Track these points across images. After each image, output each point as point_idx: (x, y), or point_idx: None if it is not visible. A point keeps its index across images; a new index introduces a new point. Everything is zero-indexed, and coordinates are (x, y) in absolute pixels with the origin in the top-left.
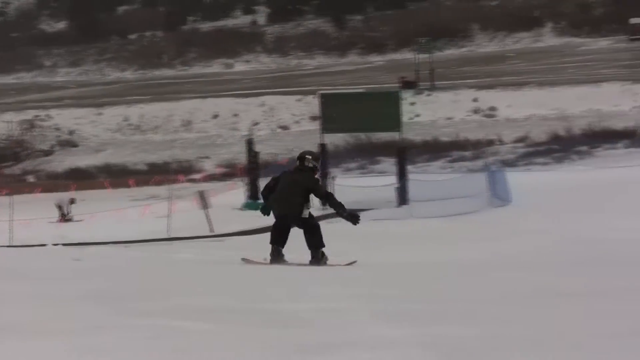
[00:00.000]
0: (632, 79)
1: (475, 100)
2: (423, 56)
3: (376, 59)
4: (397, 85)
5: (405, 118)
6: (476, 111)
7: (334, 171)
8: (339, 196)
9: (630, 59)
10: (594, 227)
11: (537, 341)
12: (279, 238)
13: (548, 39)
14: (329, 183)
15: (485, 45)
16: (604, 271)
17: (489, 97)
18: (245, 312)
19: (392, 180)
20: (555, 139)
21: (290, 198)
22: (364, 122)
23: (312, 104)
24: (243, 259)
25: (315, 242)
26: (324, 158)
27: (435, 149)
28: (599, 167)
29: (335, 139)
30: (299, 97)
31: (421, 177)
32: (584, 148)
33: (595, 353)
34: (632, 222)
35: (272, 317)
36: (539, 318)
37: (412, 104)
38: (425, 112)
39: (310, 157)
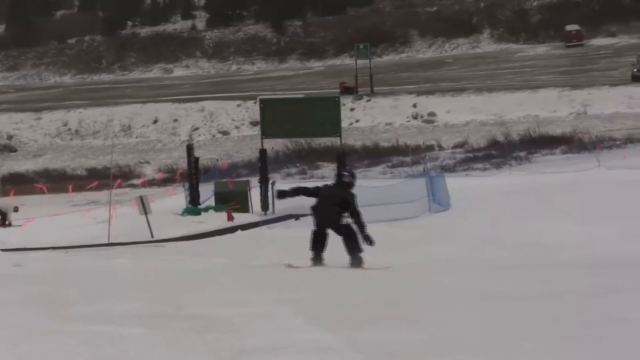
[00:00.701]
0: (569, 85)
1: (414, 105)
2: (362, 62)
3: (316, 65)
4: (336, 90)
5: (345, 123)
6: (415, 117)
7: (274, 176)
8: (280, 201)
9: (566, 65)
10: (531, 232)
11: (471, 343)
12: (318, 244)
13: (486, 45)
14: (269, 188)
15: (424, 51)
16: (539, 275)
17: (428, 103)
18: (182, 318)
19: None
20: (494, 144)
21: (329, 208)
22: (304, 127)
23: (252, 109)
24: (287, 265)
25: (354, 247)
26: (264, 163)
27: (375, 154)
28: (536, 172)
29: (276, 144)
30: (239, 102)
31: (361, 182)
32: (522, 153)
33: (529, 354)
34: (568, 225)
35: (207, 323)
36: (473, 321)
37: (352, 109)
38: (365, 118)
39: (347, 174)
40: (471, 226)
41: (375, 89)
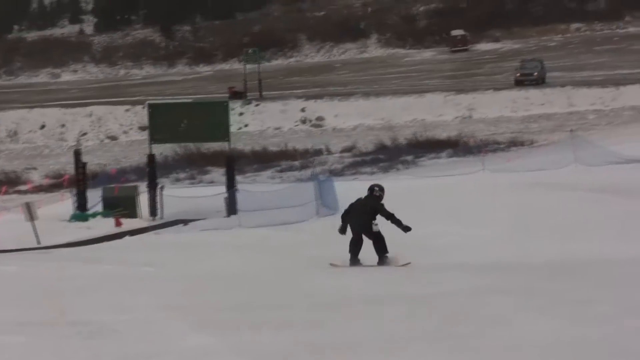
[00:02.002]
0: (454, 90)
1: (303, 110)
2: (251, 66)
3: (205, 69)
4: (225, 95)
5: (234, 128)
6: (304, 121)
7: (162, 181)
8: (168, 206)
9: (452, 70)
10: (417, 235)
11: (356, 345)
12: (355, 249)
13: (373, 49)
14: (158, 194)
15: (312, 55)
16: (427, 277)
17: (316, 107)
18: (66, 325)
19: (221, 190)
20: (382, 148)
21: (363, 217)
22: (193, 132)
23: (141, 114)
24: (331, 264)
25: (381, 248)
26: (152, 168)
27: (264, 159)
28: (423, 176)
29: (165, 149)
30: (127, 107)
31: (250, 187)
32: (409, 157)
33: (416, 355)
34: (454, 228)
35: (92, 329)
36: (358, 323)
37: (241, 114)
38: (254, 122)
39: (377, 188)
40: None
41: (264, 93)
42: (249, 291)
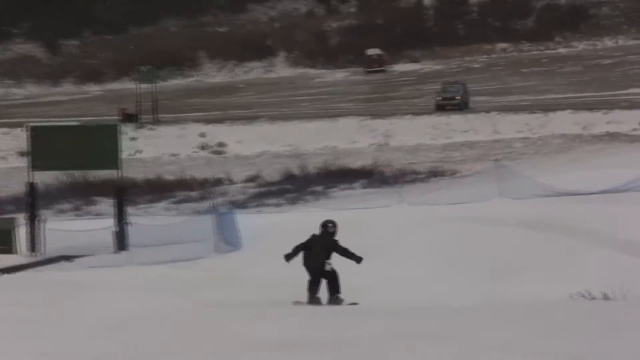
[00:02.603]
0: (369, 114)
1: (202, 135)
2: (145, 86)
3: (93, 89)
4: (116, 117)
5: (125, 154)
6: (204, 147)
7: (44, 213)
8: (51, 240)
9: (367, 93)
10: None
11: None
12: (313, 287)
13: (281, 69)
14: (38, 227)
15: (213, 75)
16: (333, 320)
17: (217, 132)
18: None
19: (110, 223)
20: (289, 178)
21: (318, 258)
22: (79, 158)
23: (21, 138)
24: (295, 302)
25: (334, 287)
26: (33, 198)
27: (159, 189)
28: (334, 208)
29: (47, 177)
30: (5, 129)
31: (143, 219)
32: (320, 188)
33: None
34: (368, 266)
35: None
36: None
37: (133, 138)
38: (148, 148)
39: (330, 224)
40: (263, 268)
41: (159, 116)
42: (138, 337)
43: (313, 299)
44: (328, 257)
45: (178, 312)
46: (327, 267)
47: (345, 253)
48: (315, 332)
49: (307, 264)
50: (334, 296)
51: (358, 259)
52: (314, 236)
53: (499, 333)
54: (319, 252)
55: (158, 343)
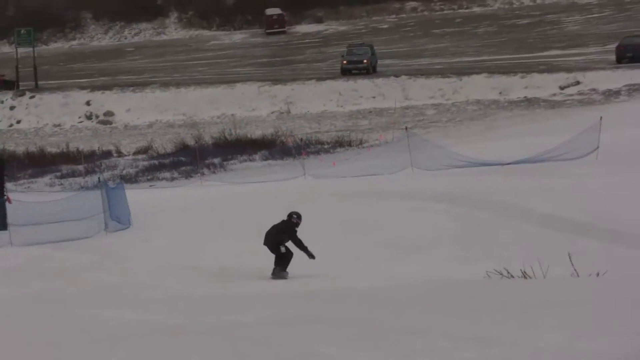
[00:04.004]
0: (270, 80)
1: (88, 103)
2: (24, 50)
3: None
4: None
5: (3, 125)
6: (90, 117)
7: None
8: None
9: (267, 56)
10: (224, 255)
11: None
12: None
13: (173, 31)
14: None
15: (99, 37)
16: (224, 305)
17: (104, 100)
18: None
19: None
20: (183, 149)
21: (274, 237)
22: None
23: None
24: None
25: (280, 263)
26: None
27: (42, 162)
28: (233, 181)
29: None
30: None
31: (24, 196)
32: (217, 160)
33: None
34: (258, 246)
35: None
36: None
37: (12, 107)
38: (29, 118)
39: (295, 215)
40: (155, 249)
41: (40, 83)
42: (12, 324)
43: (276, 272)
44: (283, 242)
45: (59, 298)
46: (282, 249)
47: (299, 245)
48: (205, 317)
49: (266, 243)
50: (276, 268)
51: (310, 255)
52: (275, 225)
53: (405, 315)
54: (274, 235)
55: (32, 331)
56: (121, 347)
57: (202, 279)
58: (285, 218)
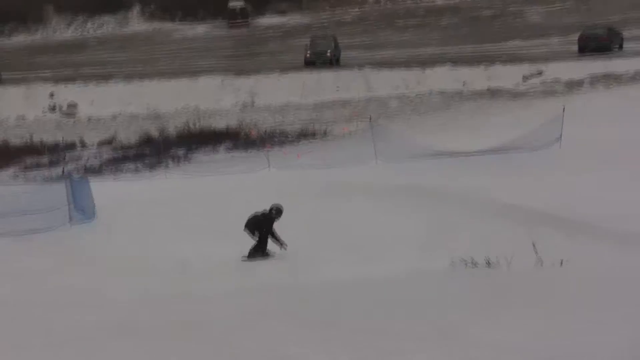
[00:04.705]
0: (233, 71)
1: (51, 95)
2: None
3: None
4: None
5: None
6: (53, 109)
7: None
8: None
9: (230, 48)
10: (184, 252)
11: None
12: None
13: (136, 24)
14: None
15: (62, 30)
16: (183, 307)
17: (68, 93)
18: None
19: None
20: (147, 141)
21: (252, 226)
22: None
23: None
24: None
25: (254, 248)
26: None
27: (5, 155)
28: (197, 174)
29: None
30: None
31: None
32: (181, 152)
33: None
34: (221, 244)
35: None
36: None
37: None
38: None
39: (274, 210)
40: (117, 243)
41: (3, 75)
42: None
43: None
44: (259, 230)
45: (15, 304)
46: (255, 237)
47: (273, 235)
48: (167, 316)
49: (245, 228)
50: (252, 250)
51: (281, 244)
52: (262, 213)
53: (371, 315)
54: (253, 224)
55: None
56: (83, 348)
57: (166, 275)
58: (266, 209)
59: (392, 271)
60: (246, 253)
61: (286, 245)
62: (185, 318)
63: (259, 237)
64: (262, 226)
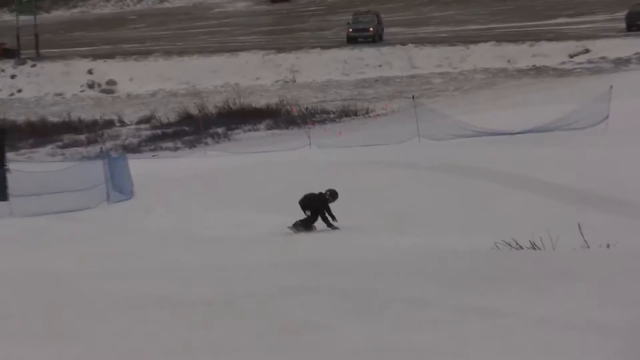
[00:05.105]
0: (274, 48)
1: (90, 72)
2: (25, 18)
3: None
4: None
5: (4, 94)
6: (92, 86)
7: None
8: None
9: (271, 24)
10: (228, 225)
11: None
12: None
13: None
14: None
15: (101, 5)
16: (227, 276)
17: (106, 69)
18: None
19: None
20: (186, 119)
21: (305, 205)
22: None
23: None
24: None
25: (303, 221)
26: None
27: (43, 132)
28: (237, 152)
29: None
30: None
31: (24, 166)
32: (220, 130)
33: None
34: (272, 217)
35: None
36: (134, 331)
37: (13, 76)
38: (30, 87)
39: (329, 193)
40: (156, 219)
41: (41, 51)
42: (11, 295)
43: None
44: (310, 208)
45: (55, 273)
46: (306, 214)
47: (325, 218)
48: (204, 288)
49: (301, 202)
50: (298, 221)
51: (332, 228)
52: (318, 194)
53: (408, 286)
54: (308, 200)
55: (29, 302)
56: (121, 318)
57: (203, 249)
58: (323, 191)
59: (433, 246)
60: (291, 224)
61: (337, 228)
62: (220, 290)
63: (309, 214)
64: (313, 205)
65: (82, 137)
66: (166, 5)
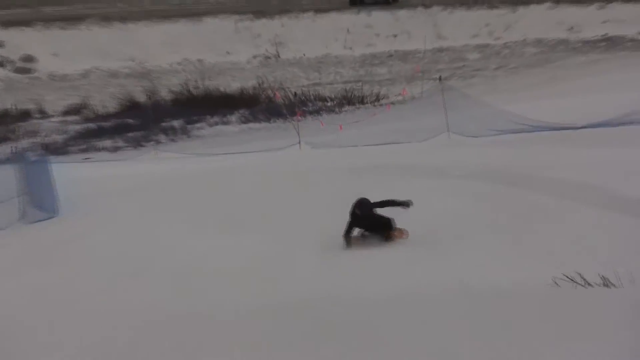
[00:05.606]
0: (251, 11)
1: (1, 45)
2: None
3: None
4: None
5: None
6: (2, 64)
7: None
8: None
9: None
10: (186, 251)
11: None
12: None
13: None
14: None
15: None
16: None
17: (23, 40)
18: None
19: None
20: (131, 108)
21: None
22: None
23: None
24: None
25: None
26: None
27: None
28: (200, 153)
29: None
30: None
31: None
32: (177, 123)
33: None
34: (231, 241)
35: None
36: None
37: None
38: None
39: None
40: (90, 247)
41: None
42: None
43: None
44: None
45: None
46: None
47: (385, 205)
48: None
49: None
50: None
51: (402, 203)
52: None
53: (431, 343)
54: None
55: None
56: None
57: (153, 292)
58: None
59: (466, 280)
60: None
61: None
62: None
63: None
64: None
65: None
66: None
